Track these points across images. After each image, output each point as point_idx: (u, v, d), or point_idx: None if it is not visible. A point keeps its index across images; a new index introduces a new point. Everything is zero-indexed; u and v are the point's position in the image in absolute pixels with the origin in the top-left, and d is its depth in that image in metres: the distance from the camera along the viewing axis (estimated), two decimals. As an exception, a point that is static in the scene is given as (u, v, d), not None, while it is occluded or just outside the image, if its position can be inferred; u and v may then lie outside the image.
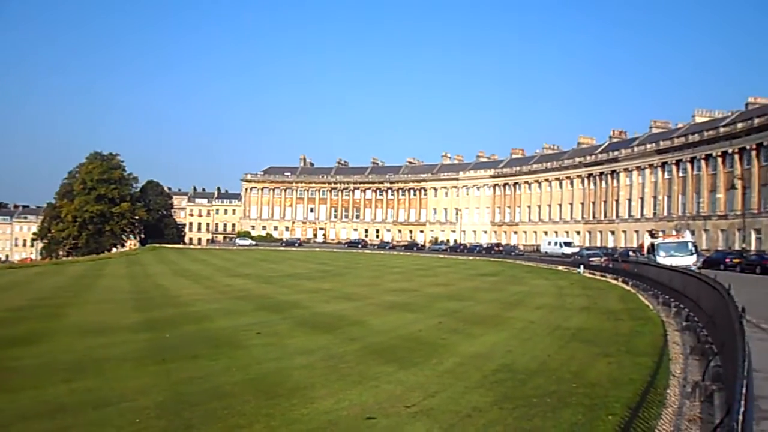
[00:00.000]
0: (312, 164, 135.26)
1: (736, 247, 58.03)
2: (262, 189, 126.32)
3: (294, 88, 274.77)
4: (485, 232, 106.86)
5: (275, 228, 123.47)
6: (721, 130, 65.36)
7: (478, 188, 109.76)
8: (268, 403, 8.67)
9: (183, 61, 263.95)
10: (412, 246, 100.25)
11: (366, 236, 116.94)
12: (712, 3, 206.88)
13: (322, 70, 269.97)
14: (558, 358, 11.62)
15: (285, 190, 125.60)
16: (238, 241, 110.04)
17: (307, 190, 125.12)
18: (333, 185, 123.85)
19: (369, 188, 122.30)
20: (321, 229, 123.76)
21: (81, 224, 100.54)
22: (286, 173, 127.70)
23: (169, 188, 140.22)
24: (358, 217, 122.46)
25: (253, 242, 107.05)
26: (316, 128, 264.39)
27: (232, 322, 17.63)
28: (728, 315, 8.36)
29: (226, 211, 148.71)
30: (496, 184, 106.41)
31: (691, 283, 15.53)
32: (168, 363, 11.90)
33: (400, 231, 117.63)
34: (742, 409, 3.08)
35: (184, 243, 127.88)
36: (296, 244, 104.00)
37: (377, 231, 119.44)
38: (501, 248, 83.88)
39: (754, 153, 60.06)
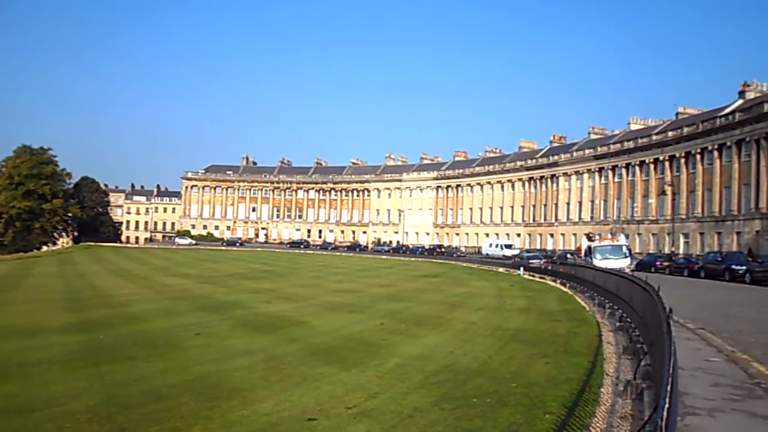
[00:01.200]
0: (255, 163, 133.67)
1: (666, 250, 60.35)
2: (203, 187, 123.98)
3: (237, 86, 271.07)
4: (428, 233, 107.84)
5: (216, 227, 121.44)
6: (654, 137, 67.94)
7: (421, 190, 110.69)
8: (206, 405, 8.48)
9: (122, 54, 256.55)
10: (354, 247, 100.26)
11: (309, 237, 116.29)
12: (647, 12, 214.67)
13: (266, 69, 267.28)
14: (498, 359, 11.78)
15: (227, 189, 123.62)
16: (177, 240, 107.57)
17: (250, 190, 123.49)
18: (276, 185, 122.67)
19: (312, 188, 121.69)
20: (263, 228, 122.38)
21: (7, 221, 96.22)
22: (228, 172, 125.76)
23: (106, 185, 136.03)
24: (300, 217, 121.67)
25: (193, 241, 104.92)
26: (259, 127, 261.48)
27: (170, 323, 17.19)
28: (657, 315, 8.65)
29: (165, 210, 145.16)
30: (439, 186, 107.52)
31: (624, 285, 16.02)
32: (101, 365, 11.48)
33: (343, 232, 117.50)
34: (666, 405, 3.18)
35: (121, 242, 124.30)
36: (237, 244, 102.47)
37: (320, 231, 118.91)
38: (443, 250, 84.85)
39: (683, 161, 62.67)
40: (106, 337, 15.02)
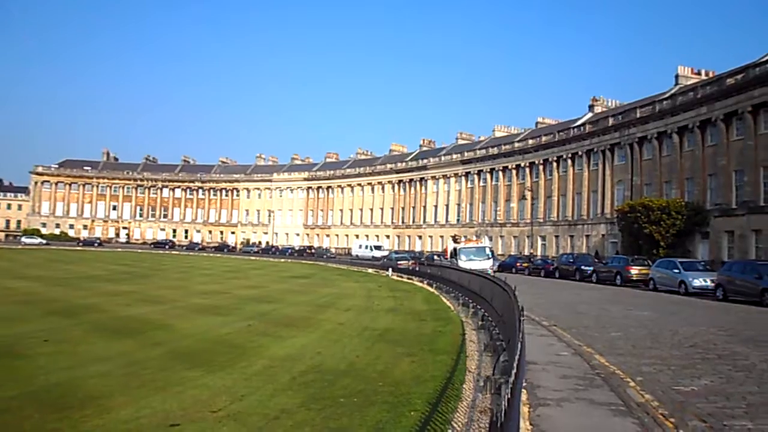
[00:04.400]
0: (116, 159, 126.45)
1: (526, 252, 64.14)
2: (56, 183, 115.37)
3: (98, 78, 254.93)
4: (298, 234, 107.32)
5: (71, 226, 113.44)
6: (516, 145, 71.99)
7: (291, 190, 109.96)
8: (54, 417, 7.88)
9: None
10: (222, 247, 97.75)
11: (174, 237, 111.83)
12: (512, 27, 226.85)
13: (130, 64, 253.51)
14: (365, 359, 11.94)
15: (84, 186, 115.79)
16: (24, 239, 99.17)
17: (110, 187, 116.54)
18: (139, 182, 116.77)
19: (179, 187, 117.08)
20: (125, 228, 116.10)
21: None
22: (85, 167, 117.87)
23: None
24: (165, 216, 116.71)
25: (44, 241, 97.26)
26: (122, 122, 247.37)
27: (12, 330, 15.72)
28: (514, 314, 9.16)
29: (10, 206, 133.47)
30: (309, 187, 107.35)
31: (486, 286, 16.80)
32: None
33: (210, 232, 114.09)
34: (508, 395, 3.37)
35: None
36: (96, 244, 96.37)
37: (186, 231, 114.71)
38: (313, 251, 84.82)
39: (541, 167, 66.89)
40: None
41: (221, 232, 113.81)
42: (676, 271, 30.48)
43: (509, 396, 3.10)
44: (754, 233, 39.88)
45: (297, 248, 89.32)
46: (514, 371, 3.54)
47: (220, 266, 53.73)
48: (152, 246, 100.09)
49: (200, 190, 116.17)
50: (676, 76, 57.20)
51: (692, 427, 7.13)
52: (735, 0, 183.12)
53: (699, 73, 56.68)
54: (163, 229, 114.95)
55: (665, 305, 23.53)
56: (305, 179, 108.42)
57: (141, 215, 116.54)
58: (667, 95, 52.84)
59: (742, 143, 41.62)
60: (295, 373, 10.48)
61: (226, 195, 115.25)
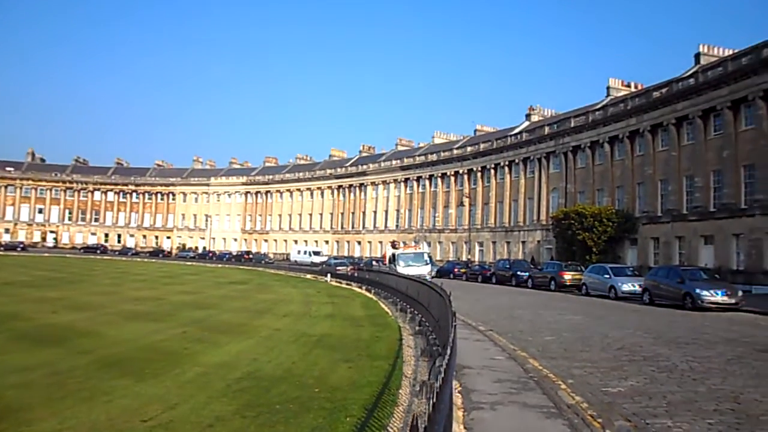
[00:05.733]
0: (43, 160, 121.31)
1: (464, 257, 65.05)
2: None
3: (21, 76, 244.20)
4: (236, 239, 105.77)
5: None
6: (455, 152, 73.04)
7: (229, 195, 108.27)
8: (-33, 433, 7.48)
9: None
10: (157, 252, 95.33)
11: (106, 241, 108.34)
12: (452, 34, 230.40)
13: (60, 62, 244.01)
14: (302, 365, 11.85)
15: (6, 188, 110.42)
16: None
17: (36, 189, 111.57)
18: (68, 185, 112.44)
19: (111, 190, 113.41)
20: (52, 232, 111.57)
21: None
22: (8, 168, 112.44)
23: None
24: (97, 220, 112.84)
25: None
26: (50, 123, 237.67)
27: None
28: (449, 318, 9.27)
29: None
30: (248, 192, 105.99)
31: (423, 291, 16.93)
32: None
33: (145, 236, 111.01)
34: (432, 401, 3.39)
35: None
36: (19, 248, 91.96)
37: (119, 236, 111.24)
38: (251, 256, 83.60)
39: (479, 174, 68.07)
40: None
41: (156, 237, 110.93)
42: (607, 276, 31.48)
43: (434, 400, 3.12)
44: (677, 240, 41.67)
45: (235, 253, 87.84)
46: (441, 375, 3.56)
47: (155, 271, 52.34)
48: (82, 251, 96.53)
49: (134, 194, 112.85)
50: (608, 88, 59.34)
51: (618, 426, 7.39)
52: (660, 17, 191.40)
53: (629, 86, 58.98)
54: (94, 234, 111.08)
55: (596, 309, 24.27)
56: (243, 184, 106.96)
57: (70, 219, 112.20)
58: (599, 106, 54.71)
59: (667, 154, 43.47)
60: (230, 380, 10.30)
61: (162, 199, 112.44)
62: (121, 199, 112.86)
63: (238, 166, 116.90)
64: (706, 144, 40.31)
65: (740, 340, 15.46)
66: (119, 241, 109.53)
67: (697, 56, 48.48)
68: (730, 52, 44.67)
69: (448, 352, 4.86)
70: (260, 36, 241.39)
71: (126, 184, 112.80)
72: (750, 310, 23.94)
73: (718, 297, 23.98)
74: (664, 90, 44.67)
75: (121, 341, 14.68)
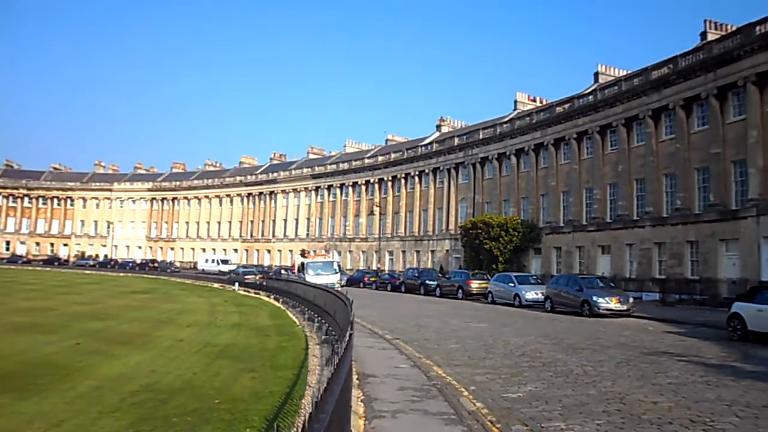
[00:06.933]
0: None
1: (374, 266, 65.39)
2: None
3: None
4: (140, 247, 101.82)
5: None
6: (366, 161, 73.49)
7: (134, 201, 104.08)
8: None
9: None
10: (53, 260, 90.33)
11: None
12: (364, 44, 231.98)
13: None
14: (203, 376, 11.52)
15: None
16: None
17: None
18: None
19: (0, 194, 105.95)
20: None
21: None
22: None
23: None
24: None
25: None
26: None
27: None
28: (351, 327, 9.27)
29: None
30: (154, 198, 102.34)
31: (330, 300, 16.90)
32: None
33: (38, 244, 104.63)
34: (308, 411, 3.34)
35: None
36: None
37: (8, 243, 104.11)
38: (156, 265, 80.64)
39: (390, 184, 68.76)
40: None
41: (52, 245, 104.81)
42: (511, 284, 32.48)
43: (310, 411, 3.07)
44: (578, 249, 43.60)
45: (139, 262, 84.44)
46: (323, 386, 3.52)
47: (49, 281, 49.49)
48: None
49: (26, 198, 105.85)
50: (515, 102, 61.53)
51: (515, 430, 7.60)
52: (562, 36, 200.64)
53: (535, 100, 61.40)
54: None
55: (500, 317, 24.97)
56: (149, 189, 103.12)
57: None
58: (506, 119, 56.57)
59: (569, 166, 45.48)
60: (125, 394, 9.86)
61: (59, 204, 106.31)
62: (11, 204, 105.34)
63: (143, 172, 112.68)
64: (603, 158, 42.46)
65: (629, 344, 16.33)
66: (8, 249, 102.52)
67: (596, 75, 51.20)
68: (625, 72, 47.36)
69: (338, 357, 4.81)
70: (168, 36, 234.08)
71: (17, 188, 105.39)
72: (640, 315, 25.43)
73: (611, 304, 25.29)
74: (566, 106, 46.76)
75: (3, 356, 13.72)
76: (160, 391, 10.04)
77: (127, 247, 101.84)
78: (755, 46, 31.04)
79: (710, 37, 39.02)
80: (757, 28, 31.28)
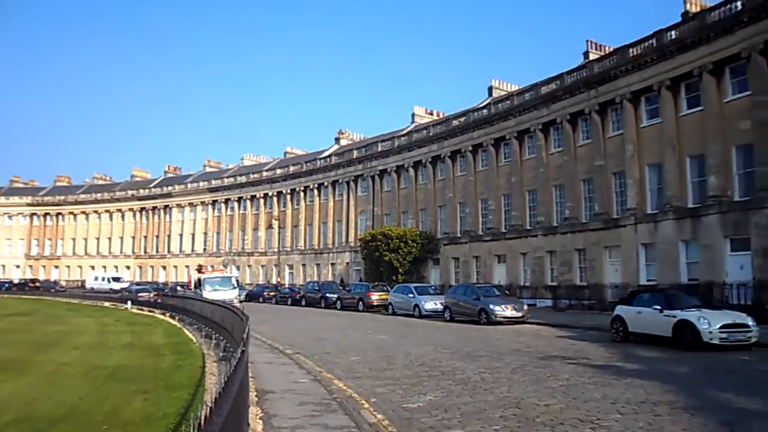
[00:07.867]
0: None
1: (274, 281, 64.41)
2: None
3: None
4: (18, 266, 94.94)
5: None
6: (264, 174, 72.51)
7: (10, 216, 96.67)
8: None
9: None
10: None
11: None
12: (259, 60, 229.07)
13: None
14: (90, 400, 10.85)
15: None
16: None
17: None
18: None
19: None
20: None
21: None
22: None
23: None
24: None
25: None
26: None
27: None
28: (244, 337, 9.04)
29: None
30: (34, 213, 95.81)
31: (228, 316, 16.43)
32: None
33: None
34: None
35: None
36: None
37: None
38: (38, 284, 75.38)
39: (289, 197, 68.15)
40: None
41: None
42: (411, 295, 32.87)
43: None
44: (474, 259, 44.84)
45: (17, 282, 78.67)
46: (208, 407, 3.37)
47: None
48: None
49: None
50: (413, 115, 62.71)
51: (416, 440, 7.62)
52: (456, 51, 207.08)
53: (432, 113, 62.79)
54: None
55: (401, 328, 25.18)
56: (29, 204, 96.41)
57: None
58: (404, 132, 57.52)
59: (465, 178, 46.80)
60: (-2, 425, 9.09)
61: None
62: None
63: (21, 185, 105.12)
64: (498, 170, 43.99)
65: (524, 350, 16.91)
66: None
67: (490, 89, 53.08)
68: (517, 87, 49.44)
69: (226, 375, 4.63)
70: (54, 37, 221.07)
71: None
72: (534, 321, 26.45)
73: (507, 312, 26.14)
74: (462, 119, 48.15)
75: None
76: (39, 420, 9.35)
77: (3, 266, 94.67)
78: (629, 66, 33.41)
79: (592, 56, 41.47)
80: (631, 50, 33.73)
